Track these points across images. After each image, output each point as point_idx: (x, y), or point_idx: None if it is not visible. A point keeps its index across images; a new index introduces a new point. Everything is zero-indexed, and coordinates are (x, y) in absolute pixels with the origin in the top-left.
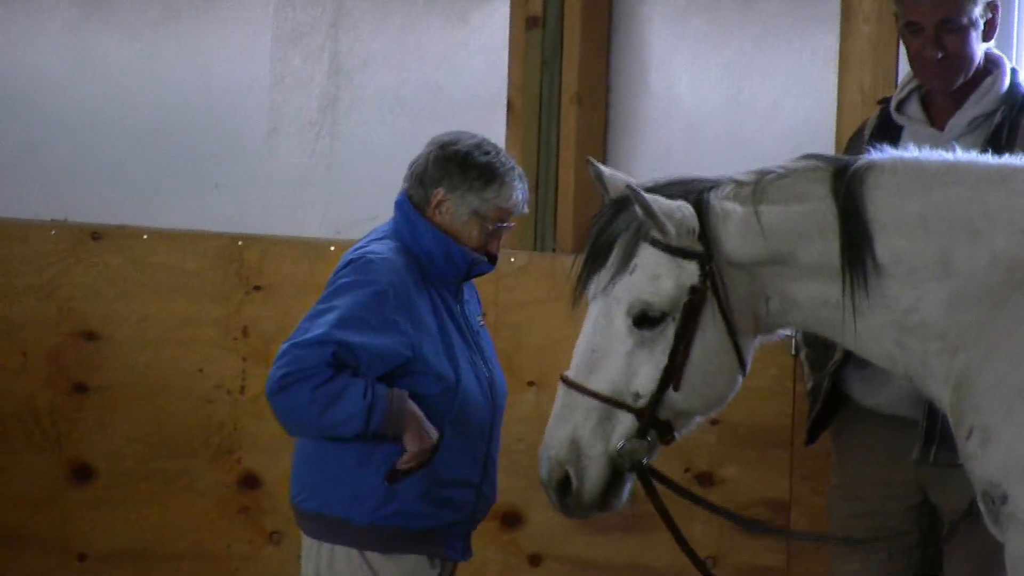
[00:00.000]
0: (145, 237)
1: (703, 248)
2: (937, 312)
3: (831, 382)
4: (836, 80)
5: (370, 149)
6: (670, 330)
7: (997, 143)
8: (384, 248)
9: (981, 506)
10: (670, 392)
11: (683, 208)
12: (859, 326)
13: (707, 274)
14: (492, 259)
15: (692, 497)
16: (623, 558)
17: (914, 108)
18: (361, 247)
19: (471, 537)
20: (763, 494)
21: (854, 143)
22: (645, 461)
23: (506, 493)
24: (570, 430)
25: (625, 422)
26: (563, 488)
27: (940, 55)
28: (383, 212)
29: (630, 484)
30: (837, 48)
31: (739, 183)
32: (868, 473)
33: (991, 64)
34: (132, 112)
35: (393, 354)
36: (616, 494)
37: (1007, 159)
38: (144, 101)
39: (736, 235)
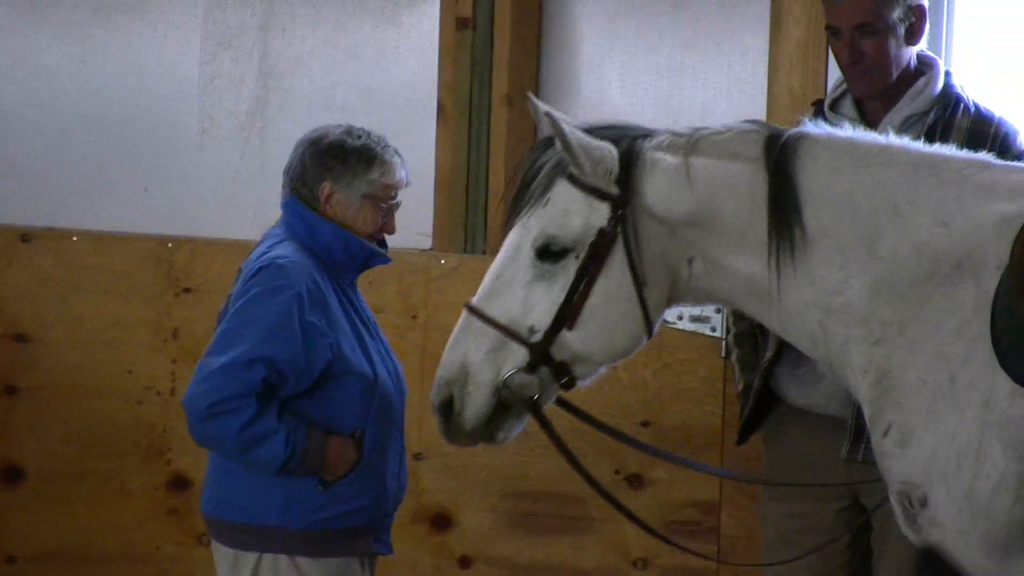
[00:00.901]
0: (75, 239)
1: (619, 192)
2: (861, 297)
3: (762, 380)
4: (766, 81)
5: None
6: (572, 267)
7: (930, 142)
8: (289, 250)
9: (896, 506)
10: (565, 331)
11: (604, 148)
12: (784, 301)
13: (618, 219)
14: (386, 242)
15: (571, 457)
16: (554, 560)
17: (847, 107)
18: (265, 253)
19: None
20: (693, 496)
21: None
22: (541, 402)
23: (436, 495)
24: (461, 354)
25: (518, 354)
26: (447, 410)
27: (856, 60)
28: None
29: (520, 421)
30: (767, 51)
31: (675, 134)
32: (799, 474)
33: (924, 66)
34: (62, 113)
35: (318, 360)
36: (501, 426)
37: (937, 147)
38: (74, 103)
39: (662, 185)
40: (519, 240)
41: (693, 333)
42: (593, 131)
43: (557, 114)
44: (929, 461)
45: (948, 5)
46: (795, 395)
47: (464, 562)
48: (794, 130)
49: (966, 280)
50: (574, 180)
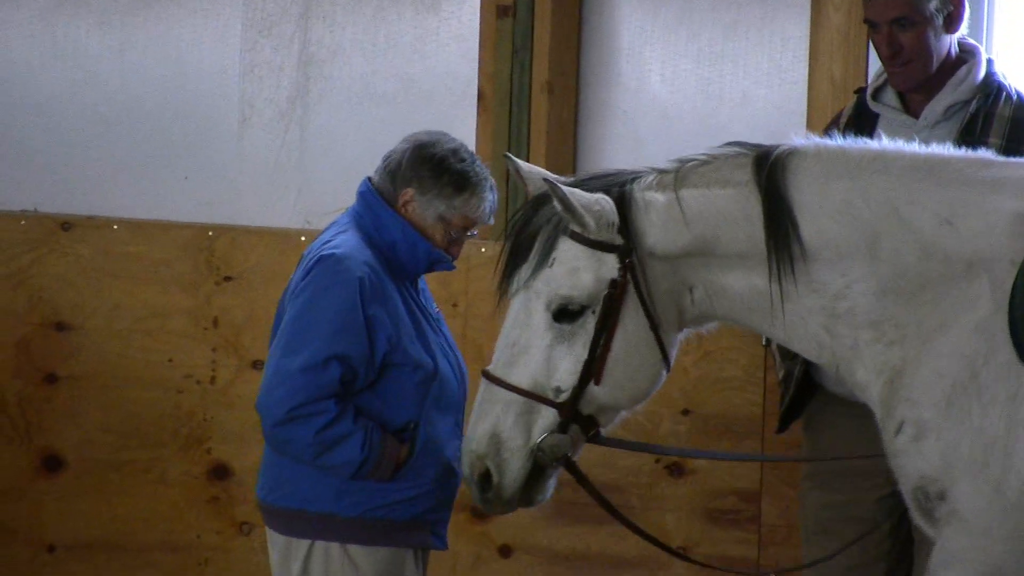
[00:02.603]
0: (115, 227)
1: (623, 241)
2: (867, 300)
3: (803, 369)
4: (807, 69)
5: (340, 139)
6: (590, 324)
7: (972, 131)
8: (351, 240)
9: (910, 502)
10: (591, 386)
11: (602, 201)
12: (787, 312)
13: (627, 267)
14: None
15: (606, 504)
16: (594, 549)
17: (890, 96)
18: (327, 241)
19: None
20: (734, 484)
21: (830, 132)
22: (573, 457)
23: None
24: (490, 424)
25: (546, 416)
26: (484, 483)
27: (895, 53)
28: (353, 202)
29: (554, 479)
30: (808, 37)
31: (661, 172)
32: (839, 463)
33: (966, 54)
34: (102, 101)
35: (379, 351)
36: (539, 489)
37: (934, 149)
38: (114, 90)
39: (659, 224)
40: (529, 304)
41: None
42: (580, 184)
43: (553, 176)
44: (951, 455)
45: None
46: (835, 383)
47: (505, 551)
48: (783, 146)
49: (980, 277)
50: (577, 237)
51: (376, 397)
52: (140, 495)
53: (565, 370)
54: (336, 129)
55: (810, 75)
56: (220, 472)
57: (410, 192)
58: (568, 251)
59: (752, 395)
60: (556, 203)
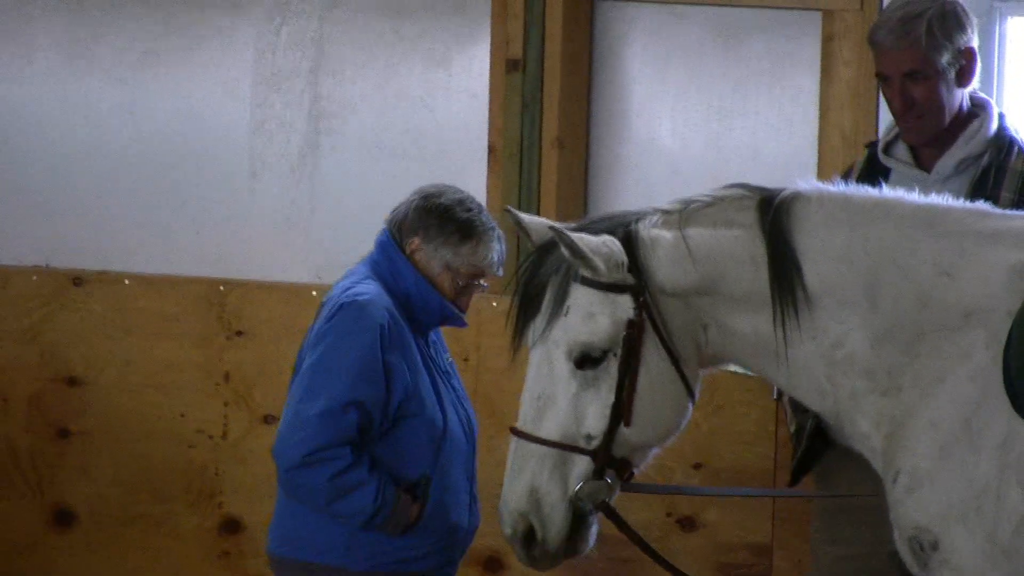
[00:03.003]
0: (127, 282)
1: (635, 280)
2: (863, 348)
3: (815, 422)
4: (817, 123)
5: (351, 193)
6: (613, 367)
7: (984, 186)
8: (372, 288)
9: (905, 552)
10: (622, 429)
11: (609, 243)
12: (791, 358)
13: (642, 305)
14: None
15: (645, 547)
16: None
17: (901, 151)
18: (348, 288)
19: None
20: (745, 538)
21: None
22: (609, 501)
23: (488, 537)
24: (527, 481)
25: (581, 465)
26: (529, 540)
27: (907, 107)
28: (365, 253)
29: (596, 526)
30: (818, 91)
31: (666, 212)
32: (853, 515)
33: (978, 108)
34: (113, 156)
35: (394, 400)
36: (583, 537)
37: (933, 199)
38: (125, 146)
39: (666, 261)
40: (548, 355)
41: (745, 375)
42: (584, 228)
43: (558, 224)
44: (944, 503)
45: (999, 45)
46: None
47: None
48: (787, 190)
49: (976, 328)
50: (588, 282)
51: (389, 449)
52: (152, 549)
53: (594, 416)
54: (346, 183)
55: (820, 129)
56: (231, 526)
57: (416, 241)
58: (582, 297)
59: (764, 449)
60: (564, 249)
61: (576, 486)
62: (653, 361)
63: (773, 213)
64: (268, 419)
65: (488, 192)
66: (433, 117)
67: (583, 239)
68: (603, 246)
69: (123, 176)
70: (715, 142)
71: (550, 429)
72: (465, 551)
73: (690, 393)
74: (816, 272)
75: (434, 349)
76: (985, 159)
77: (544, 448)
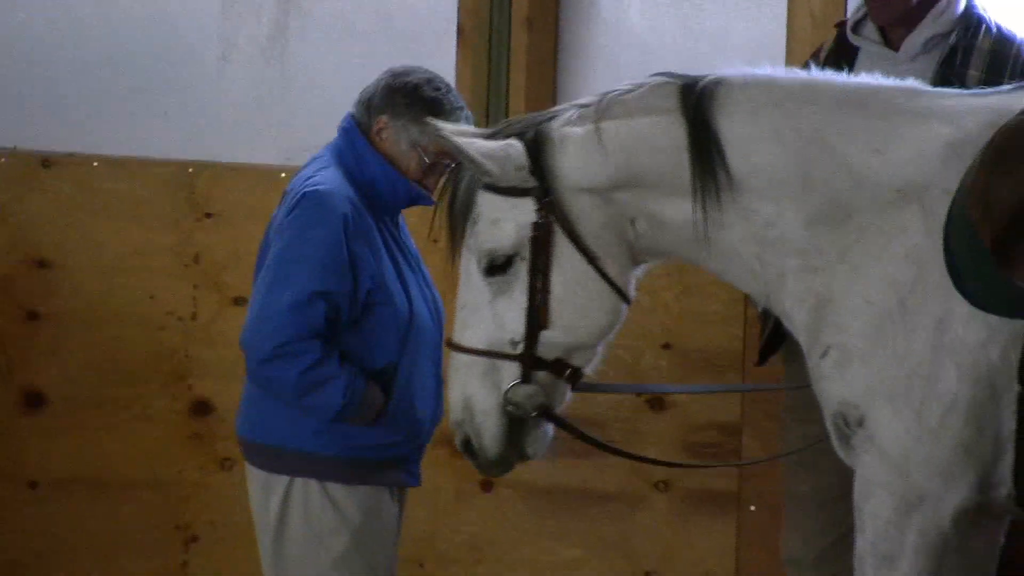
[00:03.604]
0: (95, 164)
1: (536, 182)
2: (795, 228)
3: None
4: (786, 3)
5: (320, 76)
6: (523, 271)
7: (952, 64)
8: (333, 176)
9: (830, 428)
10: (543, 332)
11: (508, 146)
12: (721, 241)
13: (546, 207)
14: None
15: (590, 439)
16: (576, 483)
17: (869, 29)
18: (309, 177)
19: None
20: (714, 418)
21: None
22: (556, 404)
23: None
24: (460, 391)
25: (510, 371)
26: (469, 449)
27: None
28: (333, 138)
29: (545, 431)
30: None
31: (583, 106)
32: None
33: None
34: (81, 40)
35: (361, 289)
36: (527, 443)
37: (863, 79)
38: (94, 28)
39: (576, 158)
40: (467, 264)
41: None
42: (499, 132)
43: (448, 129)
44: (874, 381)
45: None
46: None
47: (486, 486)
48: (710, 76)
49: (911, 205)
50: (490, 188)
51: (357, 337)
52: (122, 432)
53: (513, 321)
54: (316, 66)
55: (789, 9)
56: (202, 408)
57: (383, 119)
58: (485, 204)
59: (733, 329)
60: (458, 157)
61: (504, 391)
62: (567, 262)
63: (696, 97)
64: (238, 301)
65: (458, 73)
66: None
67: (475, 144)
68: (499, 150)
69: (92, 59)
70: (684, 22)
71: (476, 338)
72: (431, 437)
73: (617, 290)
74: (743, 155)
75: (403, 234)
76: (952, 37)
77: (472, 357)
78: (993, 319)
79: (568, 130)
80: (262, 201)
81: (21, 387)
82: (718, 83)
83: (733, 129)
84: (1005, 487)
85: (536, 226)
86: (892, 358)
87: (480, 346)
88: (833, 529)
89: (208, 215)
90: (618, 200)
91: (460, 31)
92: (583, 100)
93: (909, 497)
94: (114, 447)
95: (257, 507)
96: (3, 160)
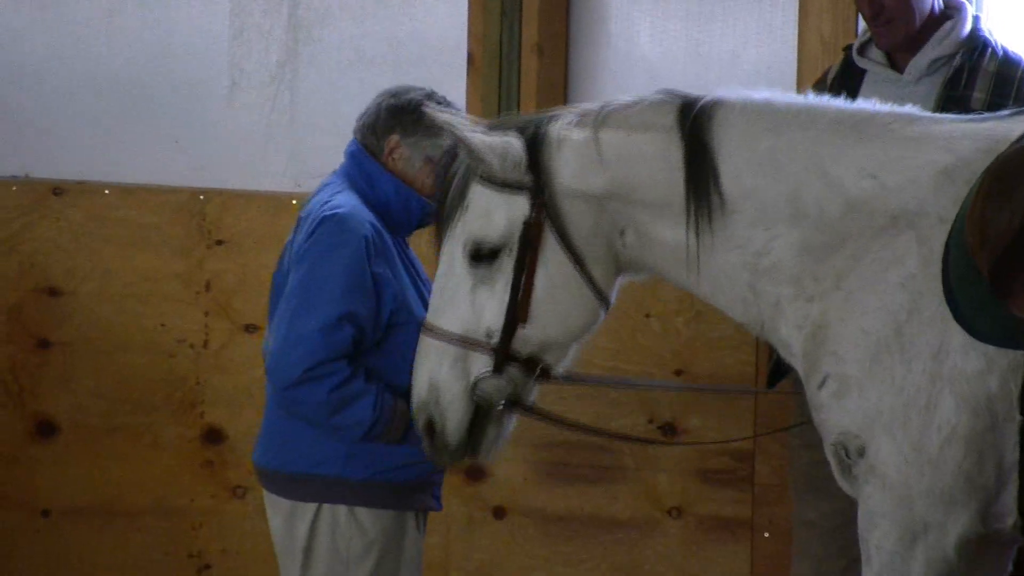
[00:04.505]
0: (106, 192)
1: (532, 180)
2: (789, 256)
3: None
4: (796, 28)
5: (330, 102)
6: (508, 265)
7: (956, 86)
8: (350, 200)
9: (831, 458)
10: (520, 328)
11: (509, 141)
12: (712, 267)
13: (539, 205)
14: None
15: (559, 421)
16: (588, 509)
17: (875, 53)
18: (326, 201)
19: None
20: (726, 444)
21: (818, 89)
22: (527, 399)
23: None
24: (428, 373)
25: (481, 360)
26: (430, 432)
27: (877, 12)
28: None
29: (503, 428)
30: None
31: (583, 113)
32: None
33: (952, 9)
34: (92, 66)
35: (385, 309)
36: (484, 436)
37: (859, 105)
38: (103, 55)
39: (572, 162)
40: (451, 251)
41: None
42: (499, 126)
43: (454, 119)
44: (872, 411)
45: None
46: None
47: (498, 512)
48: (708, 97)
49: (905, 232)
50: (486, 180)
51: (382, 358)
52: (133, 459)
53: (491, 312)
54: (325, 92)
55: (799, 34)
56: (213, 436)
57: (395, 139)
58: (479, 194)
59: (744, 354)
60: (459, 147)
61: (472, 380)
62: (553, 262)
63: (694, 117)
64: (249, 328)
65: (468, 100)
66: (412, 25)
67: (477, 137)
68: (500, 144)
69: (102, 86)
70: (694, 48)
71: (451, 323)
72: None
73: (598, 294)
74: (735, 179)
75: (409, 249)
76: (957, 59)
77: (444, 343)
78: (991, 349)
79: (567, 133)
80: (273, 228)
81: (33, 415)
82: (716, 104)
83: (728, 151)
84: (1011, 517)
85: (527, 223)
86: (890, 388)
87: (455, 331)
88: (843, 555)
89: (219, 242)
90: (610, 209)
91: (470, 58)
92: (583, 106)
93: (913, 527)
94: (125, 475)
95: (280, 536)
96: (14, 188)
